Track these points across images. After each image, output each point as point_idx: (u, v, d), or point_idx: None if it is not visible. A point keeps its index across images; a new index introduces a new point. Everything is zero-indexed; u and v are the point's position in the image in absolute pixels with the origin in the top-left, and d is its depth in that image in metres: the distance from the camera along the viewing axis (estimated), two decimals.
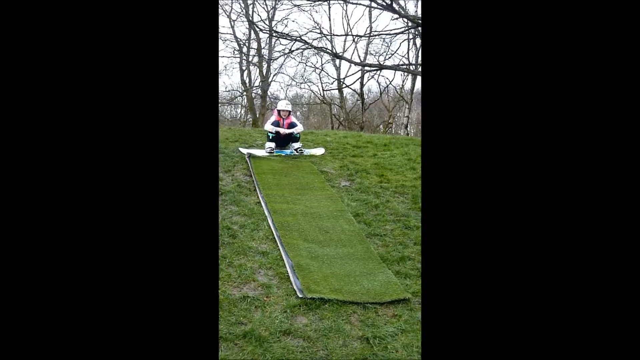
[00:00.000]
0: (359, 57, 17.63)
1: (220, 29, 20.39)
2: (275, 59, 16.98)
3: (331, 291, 3.32)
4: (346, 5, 16.26)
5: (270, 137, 6.76)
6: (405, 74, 18.14)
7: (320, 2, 12.92)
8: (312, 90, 20.29)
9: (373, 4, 12.25)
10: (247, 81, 18.76)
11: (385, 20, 35.58)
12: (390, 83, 18.28)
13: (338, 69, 18.51)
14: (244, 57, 18.36)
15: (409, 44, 17.08)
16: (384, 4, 11.04)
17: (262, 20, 17.34)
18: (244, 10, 17.36)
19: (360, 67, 16.21)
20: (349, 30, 17.67)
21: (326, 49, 14.34)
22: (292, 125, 6.88)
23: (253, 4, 17.19)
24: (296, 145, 6.82)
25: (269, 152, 6.63)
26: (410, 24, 11.18)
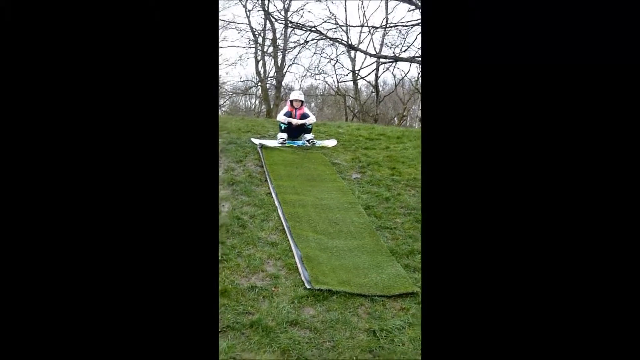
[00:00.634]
0: (375, 48, 17.51)
1: (236, 19, 20.42)
2: (291, 50, 16.95)
3: (339, 283, 3.32)
4: None
5: (283, 128, 6.75)
6: (421, 65, 18.00)
7: None
8: (326, 82, 20.27)
9: None
10: (261, 72, 18.76)
11: (402, 12, 35.21)
12: (405, 75, 18.13)
13: (353, 60, 18.42)
14: (259, 48, 18.35)
15: None
16: None
17: (277, 10, 17.30)
18: (260, 0, 17.36)
19: (376, 58, 16.12)
20: (364, 21, 17.54)
21: (341, 40, 14.29)
22: (304, 116, 6.86)
23: None
24: (308, 136, 6.81)
25: (280, 143, 6.63)
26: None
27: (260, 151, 6.23)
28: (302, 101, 7.02)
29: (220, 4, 16.69)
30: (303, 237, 4.00)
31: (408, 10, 14.22)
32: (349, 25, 16.01)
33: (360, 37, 17.69)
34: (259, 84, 19.05)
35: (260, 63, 18.62)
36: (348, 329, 2.84)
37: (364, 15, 19.37)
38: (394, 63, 15.99)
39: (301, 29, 12.61)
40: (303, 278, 3.36)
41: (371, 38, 22.43)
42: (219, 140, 6.49)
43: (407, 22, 12.80)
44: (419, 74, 17.47)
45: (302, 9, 18.15)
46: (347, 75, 19.01)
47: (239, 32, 20.91)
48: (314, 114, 7.53)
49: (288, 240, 3.94)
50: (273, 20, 16.93)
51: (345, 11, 23.79)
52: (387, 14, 17.38)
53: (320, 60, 26.99)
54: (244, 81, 19.80)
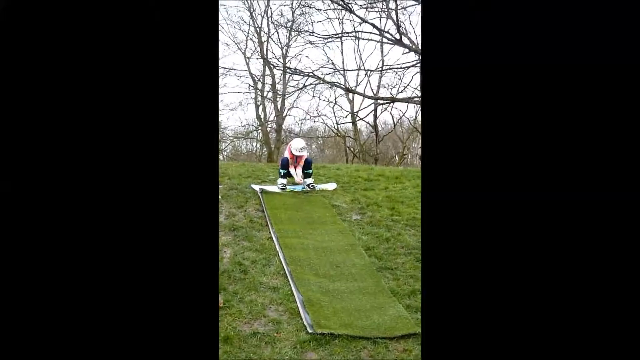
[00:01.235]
0: (372, 90, 17.84)
1: (235, 66, 20.87)
2: (290, 94, 17.28)
3: (341, 326, 3.33)
4: (358, 41, 16.55)
5: (282, 174, 6.83)
6: (418, 105, 18.29)
7: (332, 39, 13.23)
8: (326, 124, 20.51)
9: (384, 39, 12.51)
10: (262, 116, 19.06)
11: (397, 54, 35.91)
12: (403, 115, 18.36)
13: (351, 102, 18.73)
14: (259, 93, 18.71)
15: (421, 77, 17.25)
16: (394, 39, 11.26)
17: (275, 57, 17.74)
18: (258, 48, 17.82)
19: (373, 100, 16.41)
20: (361, 64, 17.93)
21: (339, 83, 14.59)
22: (306, 163, 6.86)
23: (267, 41, 17.64)
24: (308, 180, 6.88)
25: (281, 189, 6.71)
26: (420, 57, 11.35)
27: (260, 196, 6.30)
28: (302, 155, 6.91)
29: (220, 52, 17.08)
30: (304, 281, 4.03)
31: (403, 53, 14.49)
32: (346, 70, 16.37)
33: (357, 80, 18.00)
34: (260, 128, 19.32)
35: (261, 107, 18.94)
36: None
37: (360, 58, 19.80)
38: (392, 103, 16.26)
39: (299, 74, 12.90)
40: (305, 322, 3.38)
41: (368, 80, 22.79)
42: (221, 186, 6.58)
43: (402, 64, 13.09)
44: (416, 112, 17.74)
45: (300, 55, 18.53)
46: (346, 117, 19.29)
47: (238, 79, 21.44)
48: (313, 157, 7.49)
49: (289, 285, 3.96)
50: (272, 66, 17.34)
51: (342, 55, 24.25)
52: (382, 56, 17.81)
53: (319, 104, 27.37)
54: (244, 125, 20.09)
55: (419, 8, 10.74)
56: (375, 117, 18.47)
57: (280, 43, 17.68)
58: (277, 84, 18.27)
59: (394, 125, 19.55)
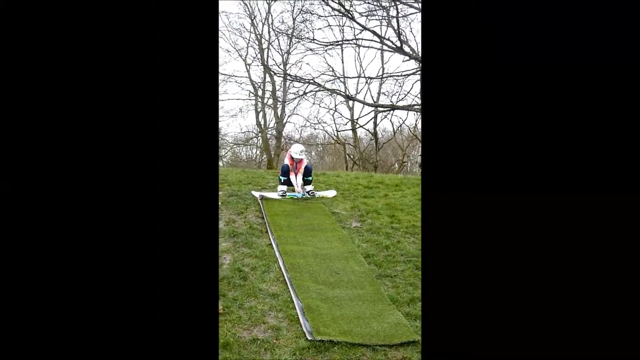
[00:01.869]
0: (372, 97, 17.90)
1: (236, 73, 20.95)
2: (290, 101, 17.33)
3: (340, 333, 3.34)
4: (359, 48, 16.63)
5: (282, 181, 6.85)
6: (418, 113, 18.34)
7: (332, 46, 13.28)
8: (326, 131, 20.56)
9: (384, 47, 12.57)
10: (262, 123, 19.11)
11: (397, 62, 36.05)
12: (403, 122, 18.42)
13: (351, 109, 18.79)
14: (259, 100, 18.77)
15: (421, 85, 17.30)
16: (395, 46, 11.32)
17: (276, 64, 17.80)
18: (259, 55, 17.90)
19: (373, 107, 16.46)
20: (361, 71, 18.01)
21: (339, 91, 14.64)
22: (307, 170, 6.89)
23: (268, 48, 17.72)
24: (308, 187, 6.90)
25: (281, 196, 6.72)
26: (420, 65, 11.40)
27: (260, 202, 6.31)
28: (301, 158, 6.96)
29: (221, 59, 17.16)
30: (304, 288, 4.03)
31: (403, 61, 14.58)
32: (347, 77, 16.44)
33: (357, 87, 18.06)
34: (260, 134, 19.36)
35: (261, 114, 19.00)
36: None
37: (361, 65, 19.82)
38: (392, 111, 16.32)
39: (299, 82, 12.95)
40: (304, 329, 3.38)
41: (368, 87, 22.91)
42: (221, 193, 6.59)
43: (403, 71, 13.17)
44: (416, 120, 17.79)
45: (300, 62, 18.61)
46: (346, 125, 19.33)
47: (239, 85, 21.47)
48: (313, 163, 7.52)
49: (289, 291, 3.97)
50: (272, 73, 17.40)
51: (342, 62, 24.38)
52: (383, 64, 17.86)
53: (319, 111, 27.44)
54: (244, 132, 20.14)
55: (419, 16, 10.83)
56: (375, 125, 18.53)
57: (281, 50, 17.78)
58: (278, 90, 18.34)
59: (394, 133, 19.61)
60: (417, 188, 7.31)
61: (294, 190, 6.90)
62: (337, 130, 19.28)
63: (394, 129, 19.37)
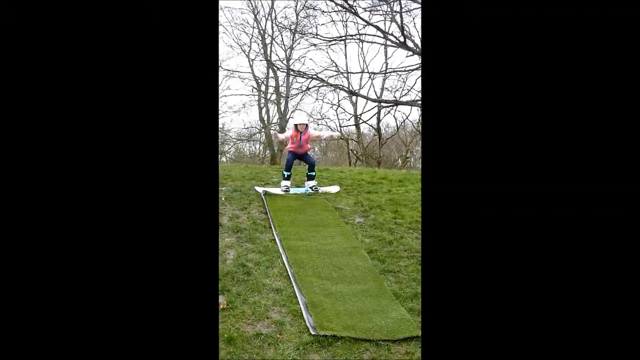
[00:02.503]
0: (375, 93, 17.90)
1: (239, 68, 20.93)
2: (293, 97, 17.33)
3: (344, 328, 3.35)
4: (362, 44, 16.61)
5: (286, 176, 6.86)
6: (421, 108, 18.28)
7: (335, 42, 13.27)
8: (329, 127, 20.57)
9: (387, 42, 12.54)
10: (265, 118, 19.12)
11: (400, 57, 36.03)
12: (407, 118, 18.48)
13: (355, 105, 18.77)
14: (262, 95, 18.76)
15: None
16: (398, 41, 11.30)
17: (279, 59, 17.79)
18: (262, 50, 17.89)
19: (377, 103, 16.45)
20: (365, 67, 17.97)
21: (342, 86, 14.63)
22: (310, 166, 6.89)
23: (271, 43, 17.70)
24: (311, 183, 6.90)
25: (284, 191, 6.72)
26: None
27: (264, 198, 6.32)
28: (306, 124, 6.80)
29: (224, 54, 17.16)
30: (307, 283, 4.04)
31: (406, 56, 14.58)
32: (350, 72, 16.41)
33: (361, 83, 18.13)
34: (263, 130, 19.37)
35: (264, 110, 19.01)
36: None
37: (364, 61, 19.87)
38: (395, 106, 16.29)
39: (303, 77, 12.95)
40: (308, 324, 3.39)
41: (372, 83, 22.92)
42: (224, 188, 6.60)
43: (406, 67, 13.15)
44: (420, 116, 17.75)
45: (304, 57, 18.59)
46: (349, 120, 19.34)
47: (242, 81, 21.46)
48: (317, 159, 7.48)
49: (292, 287, 3.98)
50: (275, 68, 17.40)
51: (346, 58, 24.42)
52: (386, 59, 17.82)
53: (322, 106, 27.45)
54: (247, 128, 20.16)
55: None
56: (379, 120, 18.54)
57: (284, 45, 17.79)
58: (281, 86, 18.35)
59: (397, 128, 19.59)
60: (420, 184, 7.30)
61: (297, 185, 6.90)
62: (341, 126, 19.28)
63: (397, 124, 19.39)
